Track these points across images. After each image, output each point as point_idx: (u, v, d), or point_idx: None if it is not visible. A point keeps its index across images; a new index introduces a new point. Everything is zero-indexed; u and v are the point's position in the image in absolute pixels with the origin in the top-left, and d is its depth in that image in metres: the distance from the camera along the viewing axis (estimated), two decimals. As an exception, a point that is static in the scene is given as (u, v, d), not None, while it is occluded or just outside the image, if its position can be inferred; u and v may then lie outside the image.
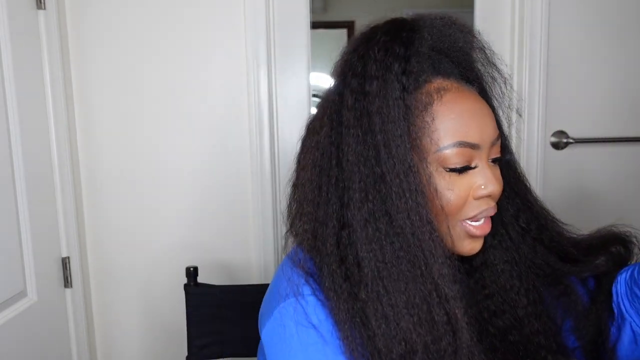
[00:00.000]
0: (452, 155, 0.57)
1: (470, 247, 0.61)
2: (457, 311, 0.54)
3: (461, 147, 0.57)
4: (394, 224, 0.55)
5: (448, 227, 0.60)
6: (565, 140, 1.53)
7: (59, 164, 1.39)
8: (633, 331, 0.67)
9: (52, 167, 1.38)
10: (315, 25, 1.53)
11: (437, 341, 0.54)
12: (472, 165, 0.59)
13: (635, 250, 0.71)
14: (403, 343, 0.54)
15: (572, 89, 1.52)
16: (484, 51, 0.64)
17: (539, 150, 1.51)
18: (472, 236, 0.61)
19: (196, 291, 1.09)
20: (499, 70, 0.65)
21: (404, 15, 0.61)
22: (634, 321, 0.66)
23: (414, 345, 0.54)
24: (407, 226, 0.55)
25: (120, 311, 1.58)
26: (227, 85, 1.49)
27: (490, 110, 0.61)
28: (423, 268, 0.55)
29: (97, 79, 1.48)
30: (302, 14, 1.50)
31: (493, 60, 0.65)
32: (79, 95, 1.49)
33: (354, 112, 0.57)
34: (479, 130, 0.58)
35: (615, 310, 0.69)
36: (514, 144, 1.54)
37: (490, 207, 0.60)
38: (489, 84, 0.65)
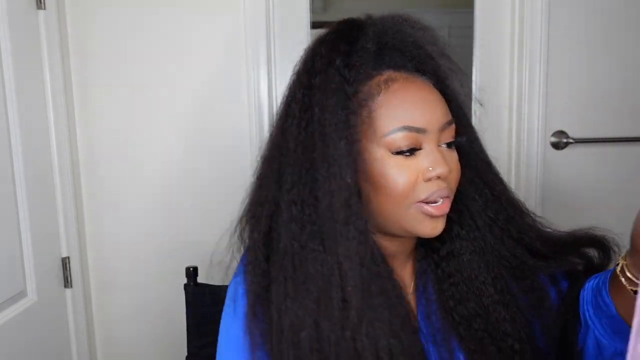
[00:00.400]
0: (398, 139, 0.60)
1: (431, 227, 0.62)
2: (350, 290, 0.57)
3: (406, 131, 0.60)
4: (318, 206, 0.59)
5: (385, 211, 0.62)
6: (565, 140, 1.53)
7: (59, 164, 1.39)
8: (597, 338, 0.67)
9: (52, 167, 1.38)
10: (315, 25, 1.53)
11: (328, 318, 0.58)
12: (419, 148, 0.61)
13: (614, 257, 0.71)
14: (295, 318, 0.59)
15: (572, 89, 1.52)
16: (437, 44, 0.66)
17: (539, 150, 1.51)
18: (432, 216, 0.61)
19: (196, 291, 1.10)
20: (452, 62, 0.67)
21: (356, 17, 0.67)
22: (597, 329, 0.66)
23: (304, 320, 0.58)
24: (327, 208, 0.58)
25: (120, 311, 1.58)
26: (227, 85, 1.49)
27: (441, 98, 0.63)
28: (333, 248, 0.58)
29: (97, 79, 1.48)
30: (302, 14, 1.50)
31: (447, 52, 0.67)
32: (79, 95, 1.48)
33: (300, 105, 0.62)
34: (425, 115, 0.60)
35: (582, 316, 0.68)
36: (513, 144, 1.54)
37: (441, 189, 0.61)
38: (447, 75, 0.66)
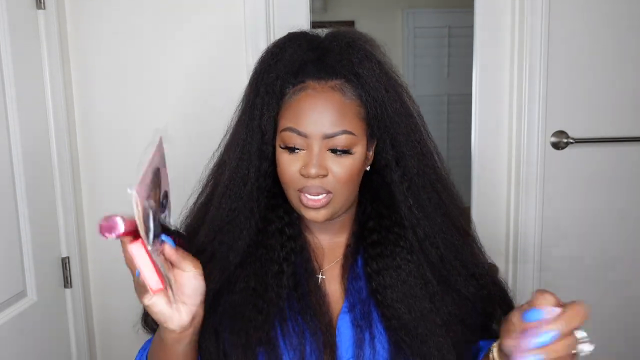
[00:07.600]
0: (285, 136, 0.73)
1: (309, 215, 0.74)
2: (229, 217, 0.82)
3: (291, 132, 0.72)
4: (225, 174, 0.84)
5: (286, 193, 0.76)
6: (565, 140, 1.53)
7: (59, 164, 1.39)
8: None
9: (51, 167, 1.38)
10: (315, 25, 1.53)
11: (227, 232, 0.82)
12: (296, 148, 0.72)
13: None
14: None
15: (572, 89, 1.52)
16: (373, 60, 0.75)
17: (539, 150, 1.51)
18: (307, 206, 0.73)
19: (196, 291, 1.09)
20: (390, 77, 0.76)
21: (291, 32, 0.79)
22: None
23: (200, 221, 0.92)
24: (227, 171, 0.84)
25: (120, 311, 1.57)
26: (227, 85, 1.49)
27: (336, 111, 0.71)
28: (226, 208, 0.83)
29: (97, 78, 1.48)
30: (302, 14, 1.50)
31: (387, 69, 0.76)
32: (79, 95, 1.49)
33: (240, 101, 0.83)
34: (310, 123, 0.71)
35: None
36: (514, 144, 1.54)
37: (310, 185, 0.72)
38: (375, 87, 0.74)
